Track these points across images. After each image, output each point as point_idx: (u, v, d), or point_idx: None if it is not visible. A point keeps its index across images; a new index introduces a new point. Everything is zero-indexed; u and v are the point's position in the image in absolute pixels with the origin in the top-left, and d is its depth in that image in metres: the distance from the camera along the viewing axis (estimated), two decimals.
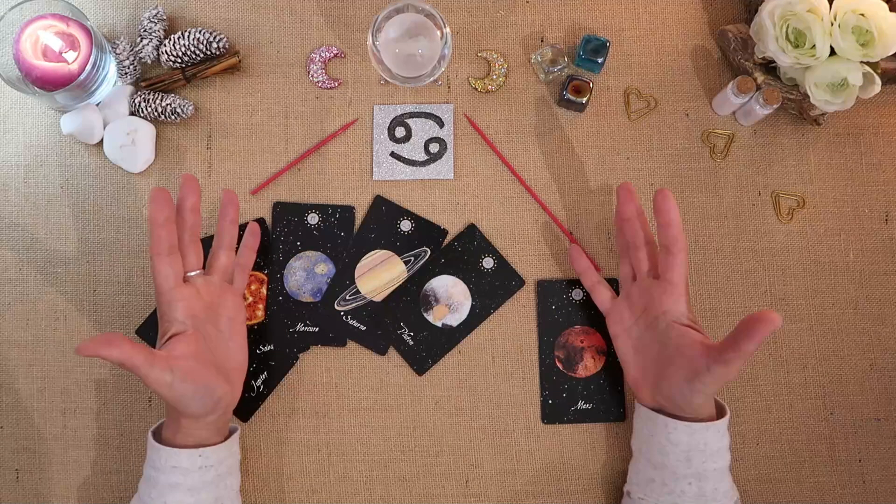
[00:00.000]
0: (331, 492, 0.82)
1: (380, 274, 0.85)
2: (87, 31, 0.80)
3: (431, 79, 0.83)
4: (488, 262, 0.85)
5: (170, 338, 0.71)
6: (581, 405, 0.83)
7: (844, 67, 0.78)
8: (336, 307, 0.84)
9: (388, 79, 0.83)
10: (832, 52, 0.78)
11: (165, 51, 0.84)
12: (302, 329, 0.84)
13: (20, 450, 0.82)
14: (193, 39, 0.84)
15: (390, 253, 0.85)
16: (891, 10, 0.77)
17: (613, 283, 0.84)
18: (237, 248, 0.81)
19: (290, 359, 0.83)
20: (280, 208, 0.85)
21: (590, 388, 0.83)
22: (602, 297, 0.81)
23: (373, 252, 0.85)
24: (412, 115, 0.87)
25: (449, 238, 0.86)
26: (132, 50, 0.85)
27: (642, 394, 0.77)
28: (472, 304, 0.84)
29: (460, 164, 0.87)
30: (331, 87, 0.87)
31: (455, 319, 0.84)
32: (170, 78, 0.85)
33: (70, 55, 0.80)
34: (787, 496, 0.83)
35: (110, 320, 0.84)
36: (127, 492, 0.82)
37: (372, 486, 0.83)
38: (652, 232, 0.80)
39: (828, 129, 0.88)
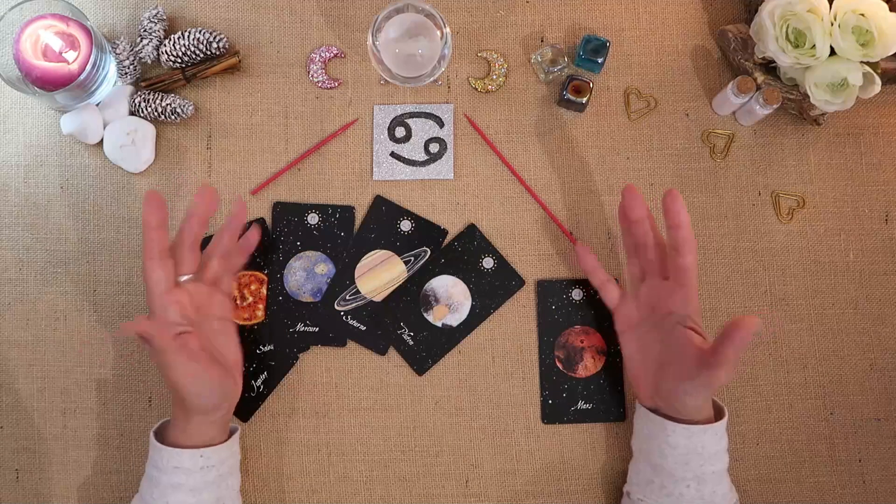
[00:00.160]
0: (331, 492, 0.82)
1: (380, 274, 0.85)
2: (87, 31, 0.80)
3: (431, 79, 0.83)
4: (488, 262, 0.85)
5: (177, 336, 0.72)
6: (581, 405, 0.83)
7: (844, 67, 0.78)
8: (336, 307, 0.84)
9: (388, 79, 0.83)
10: (832, 52, 0.78)
11: (165, 51, 0.84)
12: (302, 329, 0.84)
13: (20, 450, 0.82)
14: (193, 39, 0.84)
15: (390, 253, 0.85)
16: (891, 10, 0.77)
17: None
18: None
19: (290, 359, 0.83)
20: (280, 208, 0.85)
21: (590, 388, 0.83)
22: (611, 294, 0.81)
23: (373, 252, 0.85)
24: (412, 115, 0.87)
25: (449, 238, 0.86)
26: (132, 50, 0.85)
27: (642, 393, 0.77)
28: (472, 304, 0.84)
29: (460, 164, 0.87)
30: (331, 87, 0.87)
31: (455, 319, 0.84)
32: (170, 78, 0.85)
33: (70, 55, 0.80)
34: (787, 496, 0.83)
35: (110, 320, 0.84)
36: (127, 492, 0.82)
37: (372, 486, 0.83)
38: (661, 233, 0.80)
39: (828, 129, 0.88)
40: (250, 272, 0.84)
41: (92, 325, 0.84)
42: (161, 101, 0.84)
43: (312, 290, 0.84)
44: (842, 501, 0.83)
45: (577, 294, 0.85)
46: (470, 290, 0.85)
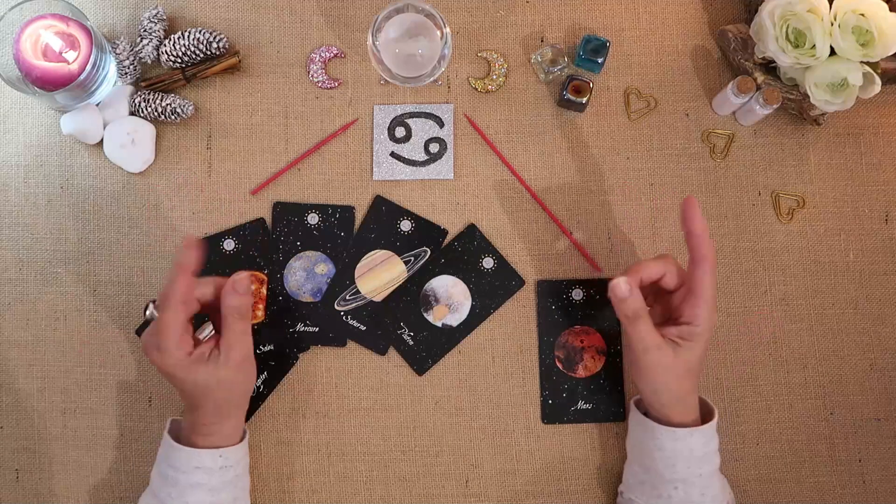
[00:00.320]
0: (331, 492, 0.82)
1: (380, 274, 0.85)
2: (87, 31, 0.80)
3: (431, 79, 0.83)
4: (488, 262, 0.85)
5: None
6: (581, 405, 0.83)
7: (844, 67, 0.78)
8: (336, 307, 0.84)
9: (388, 79, 0.83)
10: (832, 52, 0.78)
11: (165, 51, 0.84)
12: (302, 329, 0.84)
13: (20, 450, 0.82)
14: (193, 39, 0.84)
15: (390, 253, 0.85)
16: (891, 10, 0.77)
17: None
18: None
19: (290, 359, 0.83)
20: (280, 208, 0.85)
21: (590, 388, 0.83)
22: (654, 341, 0.72)
23: (373, 252, 0.85)
24: (412, 115, 0.87)
25: (449, 238, 0.86)
26: (132, 50, 0.85)
27: (640, 390, 0.77)
28: (472, 304, 0.84)
29: (460, 164, 0.87)
30: (331, 87, 0.87)
31: (455, 319, 0.84)
32: (170, 78, 0.85)
33: (70, 55, 0.80)
34: (787, 496, 0.83)
35: (110, 320, 0.84)
36: (127, 492, 0.82)
37: (372, 486, 0.83)
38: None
39: (828, 129, 0.88)
40: (250, 272, 0.84)
41: (92, 325, 0.84)
42: (161, 101, 0.84)
43: (312, 290, 0.84)
44: (842, 501, 0.83)
45: (577, 294, 0.85)
46: (470, 290, 0.85)
